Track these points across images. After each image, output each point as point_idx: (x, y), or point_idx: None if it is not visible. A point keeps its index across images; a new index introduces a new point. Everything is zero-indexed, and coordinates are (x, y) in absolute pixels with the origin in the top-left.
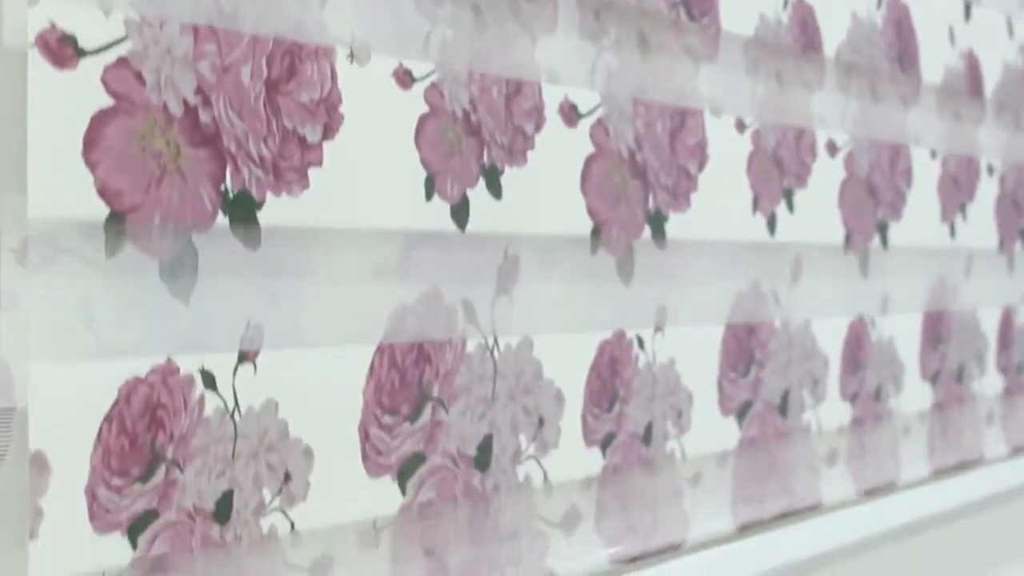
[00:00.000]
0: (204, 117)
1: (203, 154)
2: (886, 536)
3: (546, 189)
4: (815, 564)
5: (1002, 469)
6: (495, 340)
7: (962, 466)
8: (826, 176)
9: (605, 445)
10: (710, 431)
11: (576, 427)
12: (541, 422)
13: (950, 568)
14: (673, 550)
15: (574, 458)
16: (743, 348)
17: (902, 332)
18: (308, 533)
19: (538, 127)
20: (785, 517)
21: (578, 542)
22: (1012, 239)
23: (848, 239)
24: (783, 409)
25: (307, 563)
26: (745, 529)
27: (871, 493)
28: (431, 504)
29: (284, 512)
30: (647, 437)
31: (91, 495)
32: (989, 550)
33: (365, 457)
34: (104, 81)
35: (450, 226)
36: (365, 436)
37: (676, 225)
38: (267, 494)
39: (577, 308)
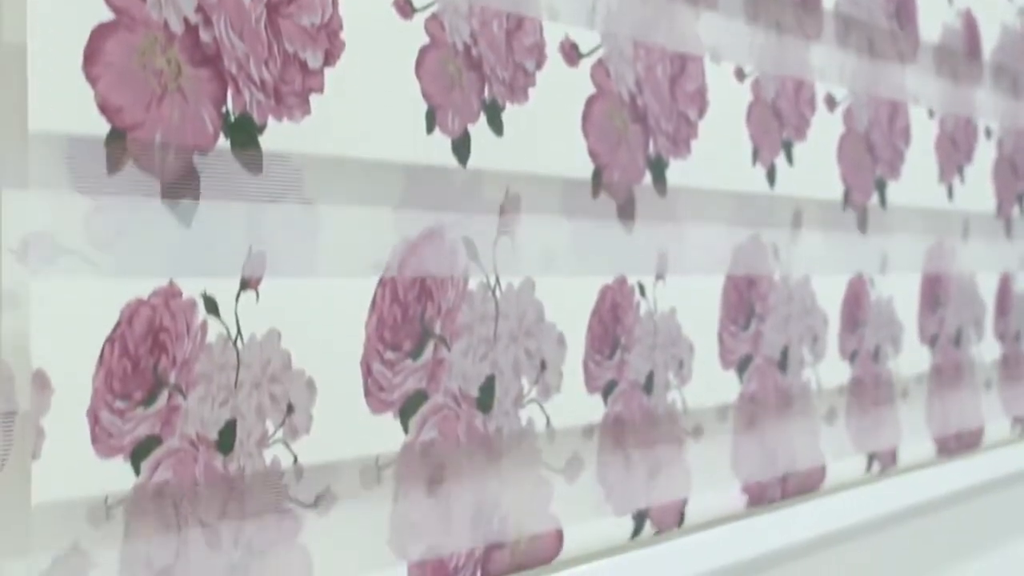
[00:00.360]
0: (205, 37)
1: (204, 74)
2: (892, 517)
3: (547, 128)
4: (824, 543)
5: (1009, 452)
6: (497, 280)
7: (964, 437)
8: (825, 130)
9: (607, 393)
10: (711, 383)
11: (578, 373)
12: (543, 366)
13: (960, 547)
14: (675, 505)
15: (576, 404)
16: (743, 301)
17: (901, 293)
18: (311, 468)
19: (539, 64)
20: (788, 481)
21: (581, 491)
22: (1010, 204)
23: (847, 195)
24: (783, 365)
25: (310, 498)
26: (748, 493)
27: (873, 459)
28: (433, 444)
29: (287, 445)
30: (648, 386)
31: (93, 417)
32: (999, 528)
33: (367, 393)
34: None
35: (451, 161)
36: (367, 371)
37: (677, 171)
38: (270, 425)
39: (579, 251)
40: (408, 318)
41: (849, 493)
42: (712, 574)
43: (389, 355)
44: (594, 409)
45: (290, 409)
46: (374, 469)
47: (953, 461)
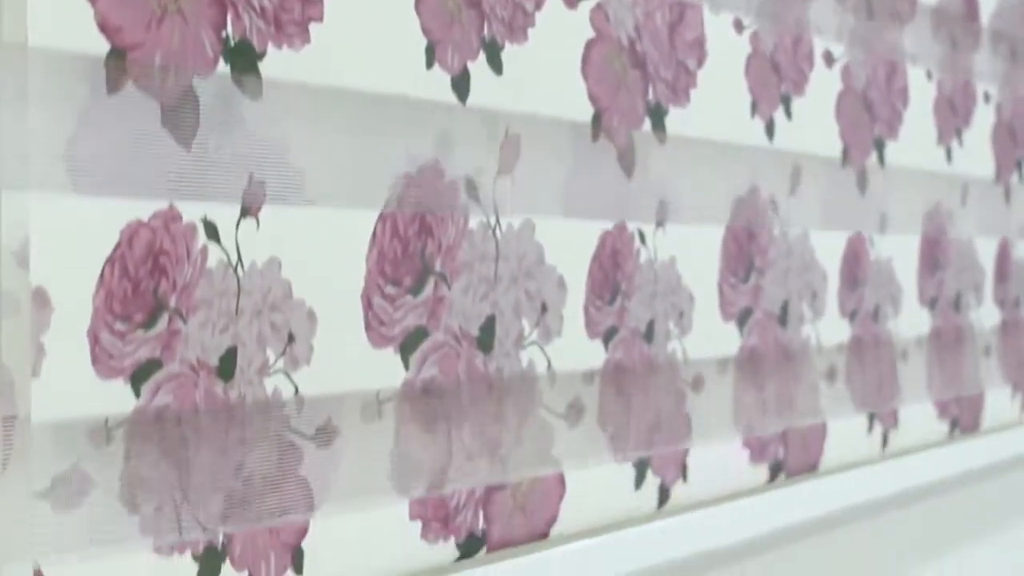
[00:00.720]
0: None
1: None
2: (893, 499)
3: (546, 70)
4: (826, 523)
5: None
6: (497, 219)
7: (965, 402)
8: (823, 87)
9: (607, 339)
10: (711, 335)
11: (578, 317)
12: (544, 308)
13: (964, 530)
14: (676, 455)
15: (577, 348)
16: (743, 253)
17: (900, 253)
18: (312, 399)
19: (538, 5)
20: (789, 437)
21: (582, 436)
22: (1009, 170)
23: (846, 153)
24: (783, 320)
25: (311, 430)
26: (749, 448)
27: (874, 418)
28: (434, 381)
29: (288, 375)
30: (649, 335)
31: (93, 338)
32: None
33: (368, 327)
34: None
35: (451, 97)
36: (368, 305)
37: (676, 120)
38: (271, 354)
39: (578, 195)
40: (408, 254)
41: (853, 472)
42: (714, 552)
43: (389, 290)
44: (595, 355)
45: (291, 339)
46: (375, 404)
47: (960, 442)
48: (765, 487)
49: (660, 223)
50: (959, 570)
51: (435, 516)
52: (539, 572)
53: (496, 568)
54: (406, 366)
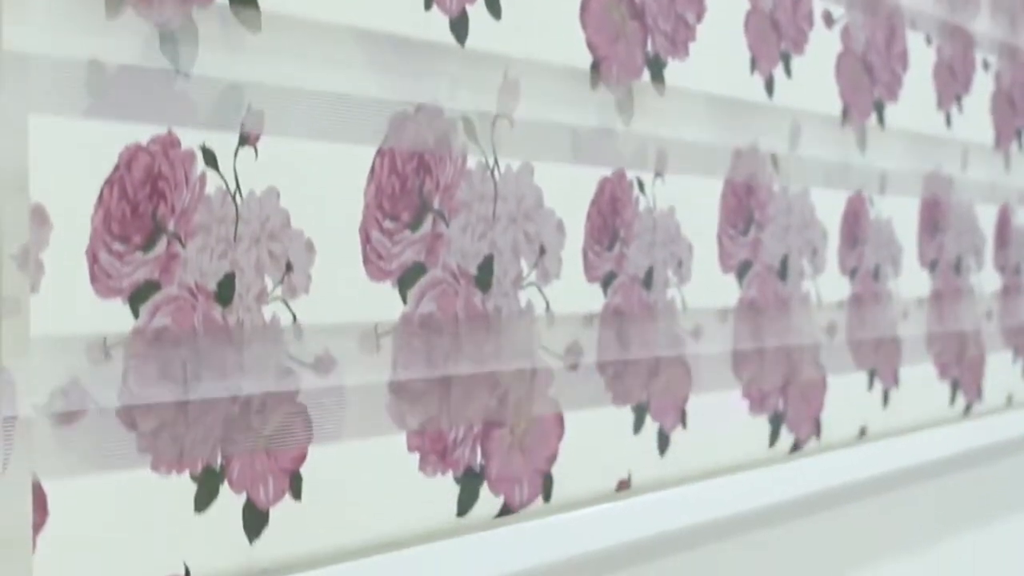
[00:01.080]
0: None
1: None
2: (891, 478)
3: (545, 16)
4: (827, 498)
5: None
6: (495, 160)
7: (966, 364)
8: (823, 47)
9: (606, 283)
10: (711, 285)
11: (577, 261)
12: (542, 250)
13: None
14: (676, 402)
15: (575, 291)
16: (743, 207)
17: (900, 215)
18: (310, 328)
19: None
20: (789, 391)
21: (582, 378)
22: (1008, 138)
23: (845, 112)
24: (782, 274)
25: (310, 358)
26: (749, 398)
27: (875, 375)
28: (432, 317)
29: (286, 303)
30: (648, 282)
31: (92, 257)
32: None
33: (366, 260)
34: None
35: (449, 39)
36: (366, 238)
37: (675, 72)
38: (269, 282)
39: (577, 141)
40: (406, 190)
41: (854, 450)
42: (717, 523)
43: (388, 224)
44: (594, 298)
45: (289, 268)
46: (373, 336)
47: (963, 422)
48: (779, 458)
49: (659, 173)
50: (973, 548)
51: (433, 449)
52: (538, 514)
53: (497, 524)
54: (404, 300)
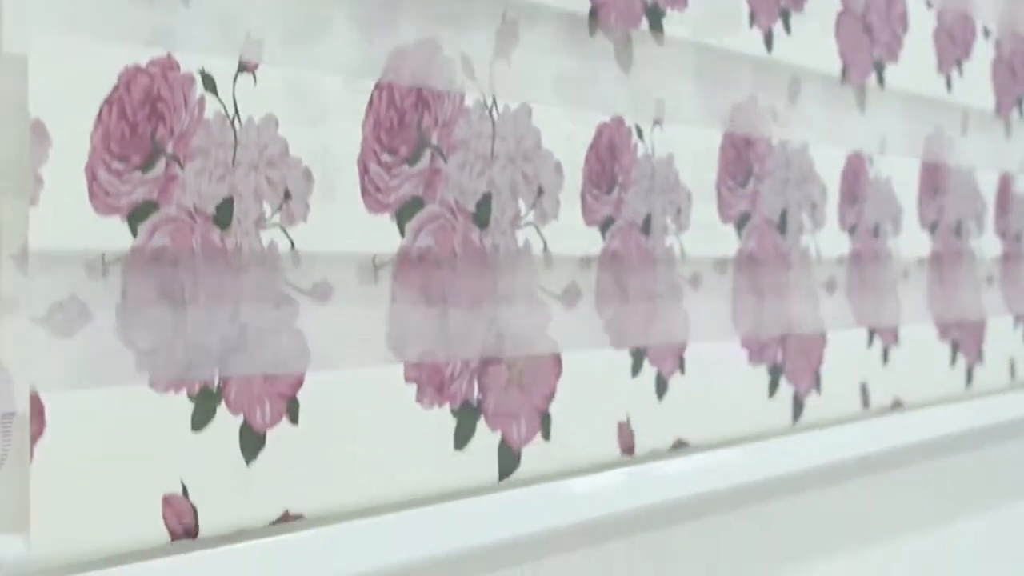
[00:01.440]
0: None
1: None
2: (896, 454)
3: None
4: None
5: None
6: (494, 100)
7: (966, 327)
8: (822, 5)
9: (604, 227)
10: (710, 235)
11: (575, 203)
12: (540, 191)
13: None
14: (674, 348)
15: (573, 233)
16: (742, 159)
17: (900, 175)
18: (308, 255)
19: None
20: (788, 343)
21: (579, 319)
22: (1009, 106)
23: (845, 71)
24: (782, 227)
25: (307, 285)
26: (748, 348)
27: (875, 334)
28: (430, 251)
29: (284, 230)
30: (646, 228)
31: (91, 174)
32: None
33: (364, 192)
34: None
35: None
36: (364, 170)
37: (673, 22)
38: (267, 208)
39: (576, 87)
40: (405, 124)
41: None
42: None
43: (386, 157)
44: (592, 241)
45: (287, 195)
46: (371, 268)
47: (965, 401)
48: (789, 429)
49: (658, 121)
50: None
51: (430, 381)
52: (539, 456)
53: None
54: (402, 233)
